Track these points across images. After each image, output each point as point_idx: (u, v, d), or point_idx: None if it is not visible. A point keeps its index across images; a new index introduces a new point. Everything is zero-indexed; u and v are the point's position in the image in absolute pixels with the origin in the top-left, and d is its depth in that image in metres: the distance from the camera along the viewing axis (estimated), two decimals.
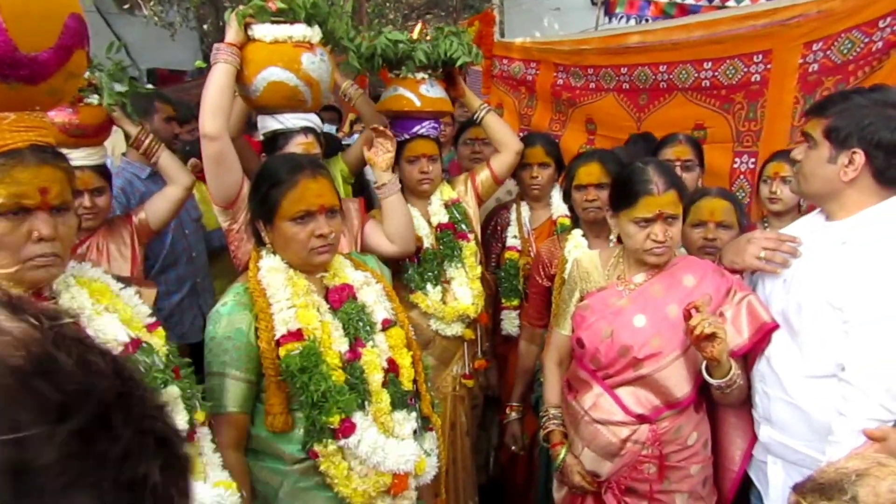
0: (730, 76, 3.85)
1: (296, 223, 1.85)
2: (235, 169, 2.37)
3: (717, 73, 3.89)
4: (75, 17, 1.40)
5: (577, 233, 2.76)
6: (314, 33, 2.45)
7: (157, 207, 2.75)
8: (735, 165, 3.81)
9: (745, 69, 3.78)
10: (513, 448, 2.95)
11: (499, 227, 3.27)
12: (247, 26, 2.38)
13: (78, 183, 2.50)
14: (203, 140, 2.29)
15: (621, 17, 6.88)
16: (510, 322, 3.13)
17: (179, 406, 1.53)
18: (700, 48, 3.94)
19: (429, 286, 2.82)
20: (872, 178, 1.75)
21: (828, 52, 3.45)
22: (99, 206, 2.64)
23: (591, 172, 2.69)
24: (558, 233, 3.00)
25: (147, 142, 2.68)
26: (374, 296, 2.00)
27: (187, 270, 3.44)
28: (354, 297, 1.95)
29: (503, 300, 3.15)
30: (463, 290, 2.86)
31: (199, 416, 1.63)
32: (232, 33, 2.36)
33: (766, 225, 3.05)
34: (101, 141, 2.68)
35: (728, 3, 6.14)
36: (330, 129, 6.22)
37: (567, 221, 3.01)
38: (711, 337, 1.83)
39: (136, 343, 1.49)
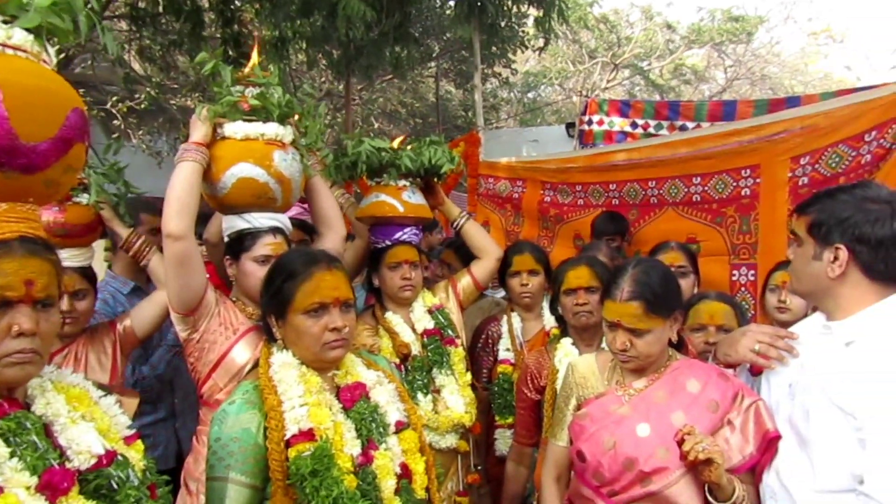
0: (720, 190, 3.80)
1: (309, 316, 1.77)
2: (199, 271, 2.20)
3: (706, 188, 3.85)
4: (77, 112, 1.41)
5: (567, 341, 2.62)
6: (287, 132, 2.37)
7: (145, 313, 2.57)
8: (734, 278, 3.68)
9: (735, 183, 3.74)
10: None
11: (489, 341, 3.09)
12: (216, 125, 2.28)
13: None
14: (166, 240, 2.13)
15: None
16: (504, 441, 2.88)
17: None
18: (688, 164, 3.93)
19: (419, 395, 2.64)
20: (862, 273, 1.68)
21: (816, 166, 3.43)
22: (79, 310, 2.47)
23: (580, 276, 2.59)
24: (552, 343, 2.80)
25: (138, 244, 2.58)
26: (387, 396, 1.91)
27: (165, 390, 3.17)
28: (367, 397, 1.85)
29: (497, 417, 2.93)
30: (455, 398, 2.68)
31: None
32: (200, 132, 2.25)
33: None
34: (87, 242, 2.56)
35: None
36: None
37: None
38: (707, 461, 1.71)
39: (110, 455, 1.38)
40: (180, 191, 2.15)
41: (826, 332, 1.75)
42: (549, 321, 2.94)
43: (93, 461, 1.32)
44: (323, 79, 11.94)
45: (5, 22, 1.32)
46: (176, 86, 12.23)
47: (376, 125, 14.67)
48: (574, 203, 4.56)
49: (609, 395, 2.00)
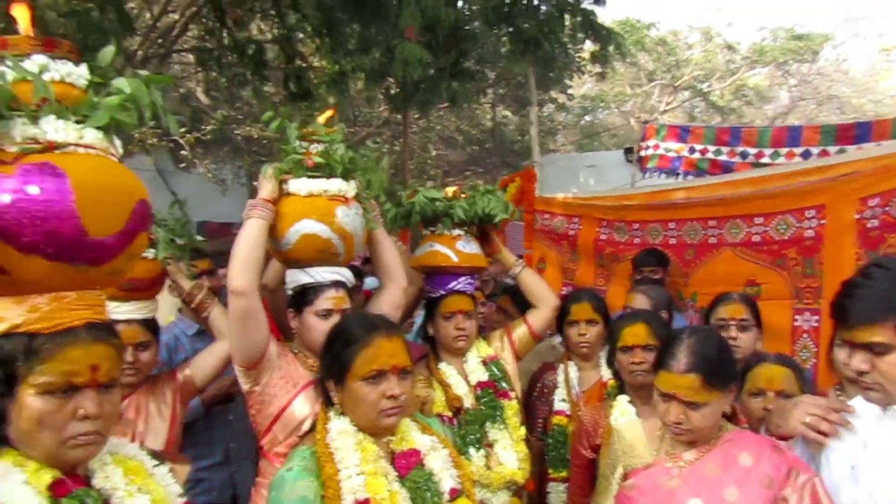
0: (781, 231, 3.70)
1: (367, 383, 1.79)
2: (262, 326, 2.24)
3: (768, 229, 3.76)
4: (142, 203, 1.45)
5: (623, 399, 2.52)
6: (350, 188, 2.41)
7: (204, 364, 2.61)
8: (796, 323, 3.57)
9: (798, 224, 3.64)
10: None
11: (545, 389, 3.04)
12: (281, 181, 2.35)
13: (123, 336, 2.41)
14: (230, 296, 2.18)
15: (654, 173, 7.00)
16: (557, 496, 2.83)
17: None
18: (751, 203, 3.85)
19: (471, 450, 2.60)
20: None
21: (887, 208, 3.29)
22: (142, 361, 2.51)
23: (636, 333, 2.52)
24: (609, 396, 2.75)
25: (200, 296, 2.60)
26: (441, 462, 1.90)
27: (221, 434, 3.23)
28: (422, 464, 1.86)
29: (550, 471, 2.87)
30: (508, 453, 2.63)
31: None
32: (267, 189, 2.32)
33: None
34: (152, 294, 2.60)
35: (762, 160, 6.20)
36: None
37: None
38: None
39: None
40: (246, 247, 2.21)
41: (893, 415, 1.64)
42: (607, 372, 2.89)
43: None
44: (381, 107, 12.16)
45: (78, 122, 1.36)
46: (240, 116, 12.68)
47: (434, 152, 14.82)
48: (630, 241, 4.51)
49: (658, 466, 1.95)
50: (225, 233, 12.57)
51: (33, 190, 1.25)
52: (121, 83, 1.40)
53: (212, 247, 4.38)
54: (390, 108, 10.18)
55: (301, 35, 8.43)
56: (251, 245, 2.22)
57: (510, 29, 5.57)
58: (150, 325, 2.57)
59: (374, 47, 6.72)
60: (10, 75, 1.31)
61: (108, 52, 1.46)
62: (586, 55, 11.31)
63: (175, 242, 2.57)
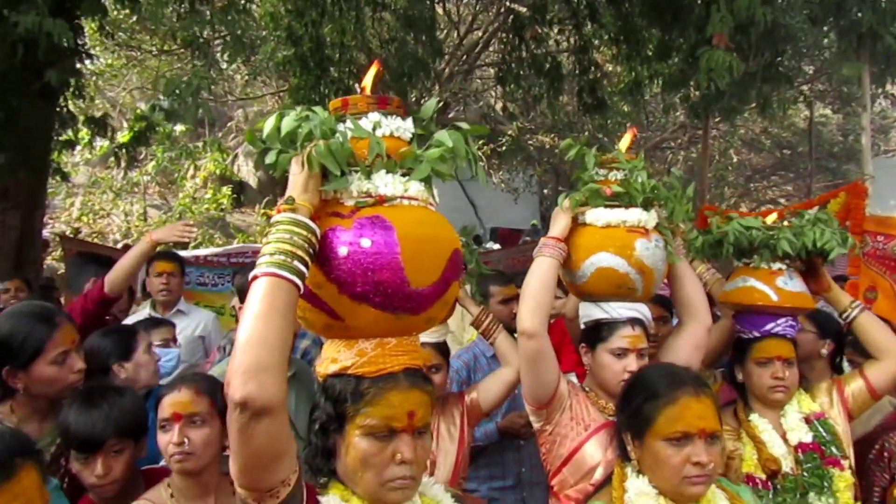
0: None
1: (671, 444, 1.68)
2: (552, 366, 2.20)
3: None
4: (456, 253, 1.48)
5: None
6: (650, 218, 2.26)
7: (490, 388, 2.68)
8: None
9: None
10: None
11: (885, 454, 2.54)
12: (578, 213, 2.28)
13: None
14: (521, 337, 2.18)
15: None
16: None
17: None
18: None
19: None
20: None
21: None
22: (436, 383, 2.61)
23: None
24: None
25: (486, 322, 2.67)
26: None
27: (513, 458, 3.31)
28: None
29: None
30: None
31: None
32: (560, 227, 2.25)
33: None
34: (444, 319, 2.66)
35: None
36: None
37: None
38: None
39: None
40: (536, 287, 2.18)
41: None
42: None
43: None
44: (678, 112, 11.57)
45: (403, 174, 1.42)
46: (533, 126, 13.05)
47: (735, 159, 13.66)
48: None
49: None
50: (515, 238, 13.11)
51: (366, 243, 1.33)
52: (442, 136, 1.45)
53: (507, 264, 4.50)
54: (689, 115, 9.62)
55: (596, 42, 8.36)
56: (542, 286, 2.19)
57: (840, 22, 4.82)
58: (442, 349, 2.68)
59: (675, 53, 6.35)
60: (349, 134, 1.41)
61: (429, 106, 1.53)
62: None
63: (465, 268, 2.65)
